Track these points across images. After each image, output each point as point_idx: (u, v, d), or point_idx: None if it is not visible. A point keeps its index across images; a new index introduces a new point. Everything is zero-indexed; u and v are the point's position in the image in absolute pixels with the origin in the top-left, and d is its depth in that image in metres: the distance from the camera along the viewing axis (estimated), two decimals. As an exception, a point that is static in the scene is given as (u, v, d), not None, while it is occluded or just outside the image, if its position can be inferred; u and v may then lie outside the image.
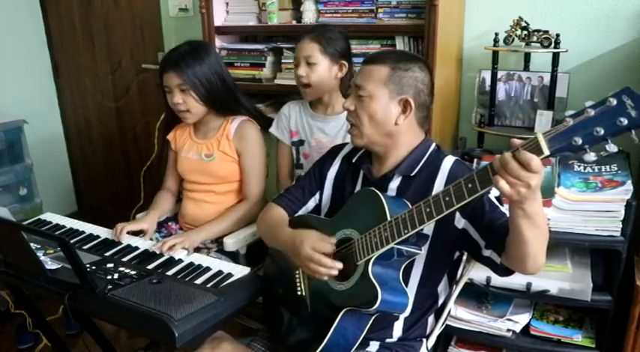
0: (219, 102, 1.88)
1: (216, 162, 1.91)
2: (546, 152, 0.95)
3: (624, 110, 0.88)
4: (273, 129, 2.07)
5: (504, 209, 1.27)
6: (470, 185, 1.07)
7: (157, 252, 1.65)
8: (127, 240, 1.74)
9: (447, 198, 1.11)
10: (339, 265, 1.27)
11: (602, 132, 0.90)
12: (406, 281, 1.33)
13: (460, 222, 1.30)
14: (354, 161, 1.49)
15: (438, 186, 1.34)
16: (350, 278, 1.28)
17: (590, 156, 0.93)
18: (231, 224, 1.88)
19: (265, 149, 1.97)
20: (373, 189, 1.32)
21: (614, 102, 0.89)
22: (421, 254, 1.31)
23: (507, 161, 0.97)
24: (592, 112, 0.90)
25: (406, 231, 1.18)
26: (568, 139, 0.93)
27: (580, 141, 0.92)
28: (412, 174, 1.37)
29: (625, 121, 0.88)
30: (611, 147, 0.91)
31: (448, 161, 1.38)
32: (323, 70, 1.84)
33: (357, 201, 1.37)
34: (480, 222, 1.27)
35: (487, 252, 1.26)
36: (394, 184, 1.39)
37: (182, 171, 1.99)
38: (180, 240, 1.70)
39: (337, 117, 1.90)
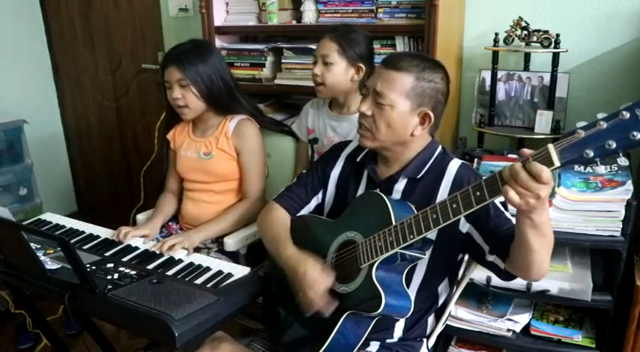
0: (219, 101, 1.88)
1: (214, 160, 1.91)
2: (557, 163, 0.94)
3: (637, 124, 0.87)
4: (294, 126, 2.10)
5: (509, 214, 1.27)
6: (478, 193, 1.06)
7: (157, 252, 1.65)
8: (128, 241, 1.73)
9: (455, 206, 1.10)
10: (333, 307, 1.28)
11: (615, 145, 0.89)
12: (407, 283, 1.33)
13: (464, 227, 1.30)
14: (358, 160, 1.48)
15: (444, 189, 1.34)
16: (353, 281, 1.28)
17: (601, 169, 0.92)
18: (231, 223, 1.88)
19: (265, 148, 1.97)
20: (378, 192, 1.31)
21: (627, 115, 0.88)
22: (424, 257, 1.30)
23: (518, 171, 0.96)
24: (604, 125, 0.89)
25: (412, 237, 1.18)
26: (579, 151, 0.92)
27: (591, 154, 0.91)
28: (418, 177, 1.37)
29: (638, 135, 0.87)
30: (622, 161, 0.90)
31: (454, 164, 1.37)
32: (339, 70, 1.82)
33: (361, 203, 1.37)
34: (484, 227, 1.27)
35: (491, 258, 1.26)
36: (399, 186, 1.38)
37: (181, 169, 1.99)
38: (179, 239, 1.69)
39: (350, 118, 1.88)
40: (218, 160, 1.90)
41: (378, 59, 1.93)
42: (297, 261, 1.35)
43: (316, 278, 1.28)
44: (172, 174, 2.06)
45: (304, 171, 1.64)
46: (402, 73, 1.29)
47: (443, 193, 1.33)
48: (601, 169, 0.92)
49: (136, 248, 1.68)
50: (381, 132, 1.33)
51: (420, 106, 1.31)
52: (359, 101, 1.86)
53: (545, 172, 0.94)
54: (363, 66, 1.83)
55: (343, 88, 1.86)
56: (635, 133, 0.87)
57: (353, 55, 1.81)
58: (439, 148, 1.41)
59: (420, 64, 1.31)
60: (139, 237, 1.77)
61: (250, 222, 1.91)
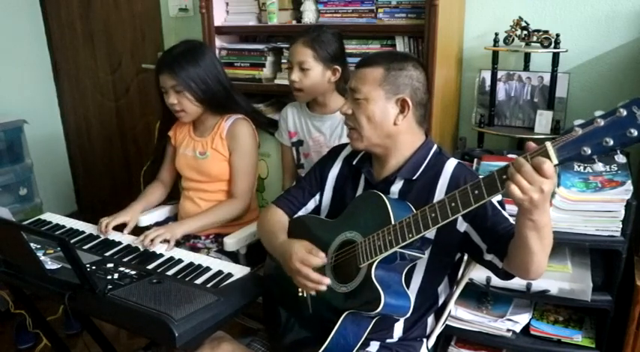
0: (214, 103, 1.89)
1: (209, 160, 1.92)
2: (555, 161, 0.94)
3: (634, 121, 0.87)
4: (277, 133, 2.08)
5: (507, 213, 1.27)
6: (476, 191, 1.06)
7: (141, 248, 1.67)
8: (112, 235, 1.76)
9: (453, 204, 1.10)
10: (327, 281, 1.27)
11: (612, 142, 0.89)
12: (407, 283, 1.33)
13: (462, 226, 1.30)
14: (354, 163, 1.49)
15: (440, 189, 1.34)
16: (352, 280, 1.28)
17: (599, 166, 0.93)
18: (214, 220, 1.89)
19: (257, 149, 1.98)
20: (377, 192, 1.31)
21: (624, 112, 0.88)
22: (424, 257, 1.30)
23: (522, 164, 0.96)
24: (601, 122, 0.90)
25: (410, 236, 1.18)
26: (577, 149, 0.92)
27: (589, 152, 0.91)
28: (414, 178, 1.36)
29: (635, 132, 0.87)
30: (620, 158, 0.91)
31: (450, 164, 1.37)
32: (316, 75, 1.83)
33: (360, 203, 1.37)
34: (481, 226, 1.27)
35: (489, 257, 1.27)
36: (396, 188, 1.38)
37: (179, 167, 2.01)
38: (161, 231, 1.71)
39: (333, 117, 1.90)
40: (212, 161, 1.91)
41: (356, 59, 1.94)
42: (287, 246, 1.36)
43: (302, 257, 1.29)
44: (166, 166, 2.09)
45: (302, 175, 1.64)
46: (371, 67, 1.34)
47: (439, 193, 1.33)
48: (599, 167, 0.93)
49: (136, 248, 1.68)
50: (364, 128, 1.34)
51: (396, 94, 1.32)
52: (338, 99, 1.87)
53: (547, 164, 0.94)
54: (338, 67, 1.84)
55: (321, 90, 1.87)
56: (632, 130, 0.87)
57: (327, 57, 1.82)
58: (434, 148, 1.41)
59: (388, 57, 1.37)
60: (119, 223, 1.81)
61: (235, 221, 1.93)
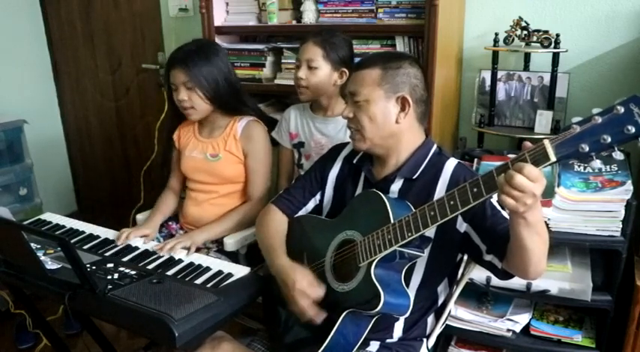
0: (224, 102, 1.87)
1: (222, 162, 1.90)
2: (553, 158, 0.95)
3: (632, 118, 0.88)
4: (274, 133, 2.07)
5: (506, 213, 1.27)
6: (475, 189, 1.06)
7: (158, 254, 1.65)
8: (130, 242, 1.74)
9: (452, 202, 1.10)
10: (323, 316, 1.30)
11: (610, 139, 0.89)
12: (407, 282, 1.33)
13: (462, 226, 1.30)
14: (355, 162, 1.49)
15: (440, 189, 1.34)
16: (352, 279, 1.28)
17: (597, 163, 0.93)
18: (233, 225, 1.87)
19: (271, 151, 1.97)
20: (376, 191, 1.31)
21: (622, 110, 0.88)
22: (423, 256, 1.30)
23: (511, 175, 0.97)
24: (599, 120, 0.90)
25: (410, 234, 1.18)
26: (575, 146, 0.93)
27: (587, 149, 0.92)
28: (414, 177, 1.37)
29: (632, 129, 0.87)
30: (618, 155, 0.91)
31: (450, 164, 1.37)
32: (323, 75, 1.83)
33: (360, 202, 1.37)
34: (481, 226, 1.27)
35: (488, 257, 1.27)
36: (396, 187, 1.38)
37: (185, 170, 1.98)
38: (181, 239, 1.70)
39: (336, 119, 1.90)
40: (225, 163, 1.90)
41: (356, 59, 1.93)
42: (286, 272, 1.36)
43: (304, 289, 1.30)
44: (175, 173, 2.06)
45: (301, 174, 1.64)
46: (368, 69, 1.35)
47: (439, 193, 1.33)
48: (597, 164, 0.93)
49: (136, 248, 1.68)
50: (366, 129, 1.35)
51: (395, 92, 1.33)
52: (341, 105, 1.88)
53: (533, 169, 0.95)
54: (346, 70, 1.84)
55: (326, 91, 1.87)
56: (629, 127, 0.88)
57: (336, 59, 1.83)
58: (434, 147, 1.42)
59: (384, 57, 1.39)
60: (140, 236, 1.77)
61: (253, 224, 1.90)
